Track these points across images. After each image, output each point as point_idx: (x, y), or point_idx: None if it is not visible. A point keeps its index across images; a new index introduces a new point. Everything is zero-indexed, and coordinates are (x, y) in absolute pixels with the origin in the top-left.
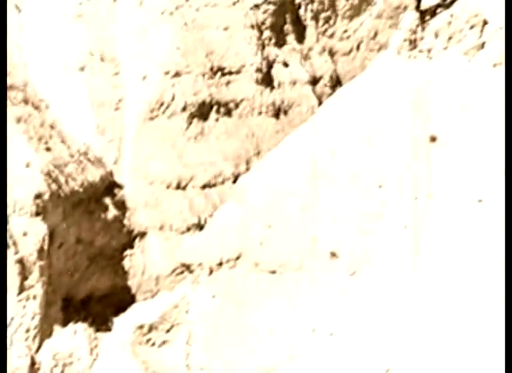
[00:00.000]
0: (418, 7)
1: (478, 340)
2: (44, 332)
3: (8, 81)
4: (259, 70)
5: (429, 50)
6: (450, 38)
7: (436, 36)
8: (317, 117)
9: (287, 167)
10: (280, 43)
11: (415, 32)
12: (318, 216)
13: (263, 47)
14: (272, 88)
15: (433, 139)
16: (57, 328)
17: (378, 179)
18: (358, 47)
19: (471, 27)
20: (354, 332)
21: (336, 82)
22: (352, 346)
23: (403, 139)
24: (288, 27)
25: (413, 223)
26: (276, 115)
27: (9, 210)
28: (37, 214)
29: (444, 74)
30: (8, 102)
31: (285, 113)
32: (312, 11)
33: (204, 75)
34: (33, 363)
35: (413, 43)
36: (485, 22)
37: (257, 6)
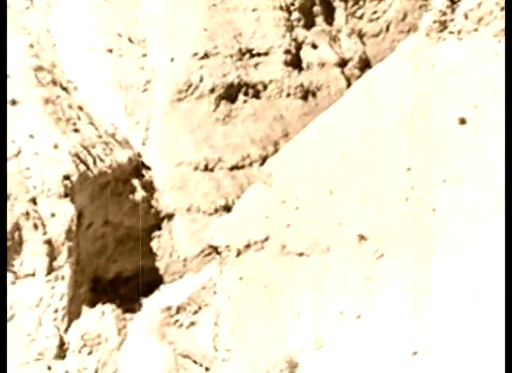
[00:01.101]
0: None
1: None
2: (73, 312)
3: (37, 63)
4: (287, 52)
5: (459, 32)
6: (480, 19)
7: (466, 17)
8: (346, 100)
9: (315, 150)
10: (309, 24)
11: (444, 13)
12: (346, 199)
13: (291, 28)
14: (301, 70)
15: (463, 121)
16: (85, 309)
17: (406, 162)
18: (387, 29)
19: (502, 9)
20: (381, 316)
21: (365, 64)
22: (379, 330)
23: (432, 122)
24: (317, 8)
25: (441, 206)
26: (304, 97)
27: (37, 192)
28: (65, 195)
29: (474, 56)
30: (37, 84)
31: (314, 95)
32: None
33: (232, 57)
34: (61, 343)
35: (443, 25)
36: None
37: None
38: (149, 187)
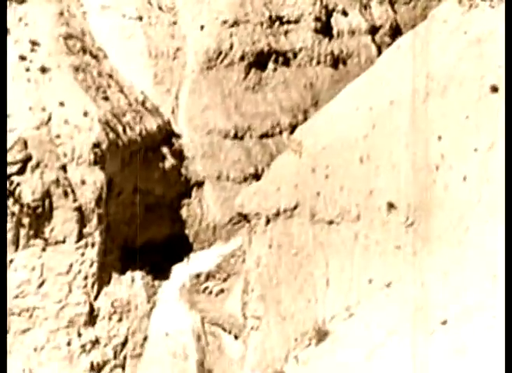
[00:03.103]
0: None
1: None
2: (103, 279)
3: (67, 31)
4: (318, 19)
5: None
6: None
7: None
8: (377, 67)
9: (345, 118)
10: None
11: None
12: (376, 167)
13: None
14: (331, 37)
15: (495, 89)
16: (115, 276)
17: (438, 130)
18: None
19: None
20: (411, 284)
21: (396, 32)
22: (408, 298)
23: (464, 89)
24: None
25: (473, 174)
26: (335, 65)
27: (67, 159)
28: (95, 162)
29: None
30: (67, 51)
31: (344, 62)
32: None
33: (262, 24)
34: (91, 310)
35: None
36: None
37: None
38: (179, 155)
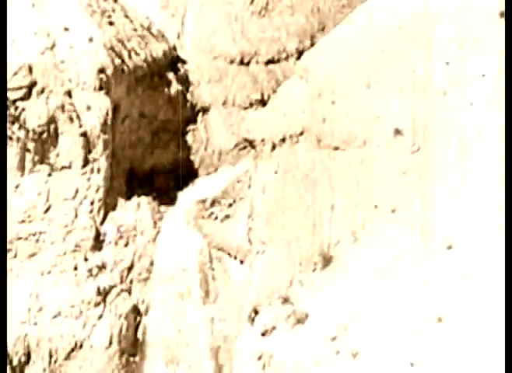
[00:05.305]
0: None
1: None
2: (108, 204)
3: None
4: None
5: None
6: None
7: None
8: None
9: (353, 42)
10: None
11: None
12: (383, 93)
13: None
14: None
15: (502, 15)
16: (121, 201)
17: (444, 56)
18: None
19: None
20: (417, 209)
21: None
22: (414, 223)
23: (473, 13)
24: None
25: (481, 100)
26: None
27: (72, 85)
28: (101, 88)
29: None
30: None
31: None
32: None
33: None
34: (97, 234)
35: None
36: None
37: None
38: (185, 81)
